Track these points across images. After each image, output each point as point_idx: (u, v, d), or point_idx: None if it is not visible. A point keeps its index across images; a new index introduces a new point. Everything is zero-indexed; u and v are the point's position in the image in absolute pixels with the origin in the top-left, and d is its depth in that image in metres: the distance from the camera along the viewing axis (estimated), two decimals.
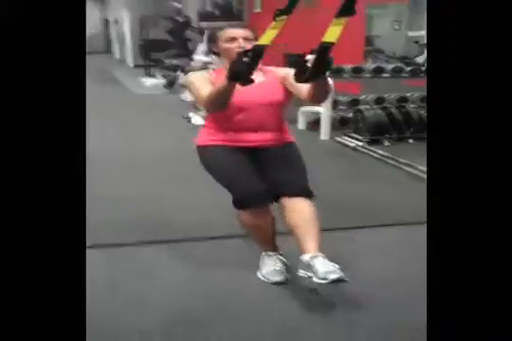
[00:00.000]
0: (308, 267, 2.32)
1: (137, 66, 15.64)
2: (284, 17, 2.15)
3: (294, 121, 6.78)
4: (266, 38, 2.14)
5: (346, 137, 6.01)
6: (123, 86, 11.90)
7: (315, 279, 2.28)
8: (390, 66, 6.65)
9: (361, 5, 9.41)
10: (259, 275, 2.72)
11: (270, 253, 2.75)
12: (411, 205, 3.83)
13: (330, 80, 2.42)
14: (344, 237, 3.28)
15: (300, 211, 2.49)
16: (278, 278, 2.67)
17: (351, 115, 6.35)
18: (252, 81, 2.21)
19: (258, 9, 12.25)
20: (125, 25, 17.69)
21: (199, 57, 10.04)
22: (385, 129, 5.89)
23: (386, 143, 5.81)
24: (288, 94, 2.60)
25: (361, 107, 6.18)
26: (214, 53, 2.69)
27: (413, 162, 4.79)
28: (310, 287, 2.51)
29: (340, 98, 6.59)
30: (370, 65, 6.81)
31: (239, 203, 2.55)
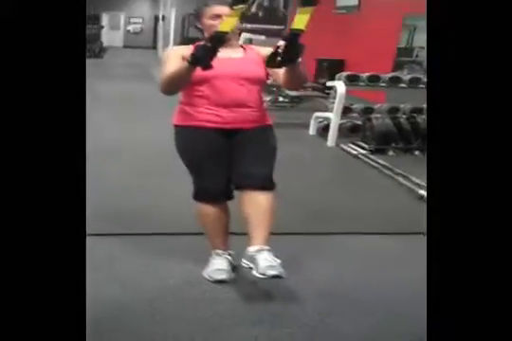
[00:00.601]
0: (251, 259, 2.38)
1: None
2: (242, 6, 2.18)
3: (306, 126, 6.80)
4: (226, 25, 2.18)
5: (352, 145, 5.98)
6: (155, 83, 12.05)
7: (254, 273, 2.33)
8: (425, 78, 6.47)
9: (399, 16, 9.43)
10: (204, 273, 2.77)
11: (219, 252, 2.80)
12: (394, 214, 3.84)
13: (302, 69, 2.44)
14: (316, 241, 3.34)
15: (256, 204, 2.50)
16: (220, 277, 2.71)
17: None
18: (211, 67, 2.23)
19: None
20: (171, 22, 17.99)
21: None
22: (392, 139, 5.84)
23: (390, 153, 5.77)
24: (267, 72, 2.57)
25: (371, 116, 6.14)
26: (197, 28, 2.63)
27: (410, 173, 4.76)
28: (251, 281, 2.57)
29: (355, 105, 6.58)
30: (405, 75, 6.63)
31: (199, 195, 2.62)
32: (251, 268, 2.37)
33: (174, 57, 2.46)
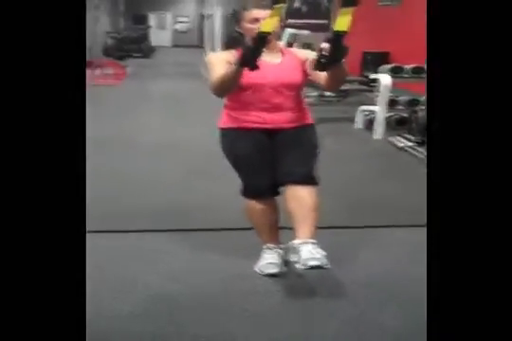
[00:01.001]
0: (296, 252, 2.44)
1: None
2: (281, 5, 2.27)
3: (352, 120, 6.84)
4: (268, 25, 2.25)
5: (398, 137, 6.01)
6: (203, 81, 12.22)
7: (297, 265, 2.40)
8: None
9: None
10: (255, 267, 2.86)
11: (270, 246, 2.88)
12: None
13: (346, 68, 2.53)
14: (362, 234, 3.40)
15: (299, 199, 2.58)
16: (271, 271, 2.81)
17: None
18: (257, 67, 2.33)
19: None
20: (216, 20, 18.10)
21: None
22: None
23: None
24: (305, 75, 2.65)
25: (417, 108, 6.14)
26: (236, 32, 2.72)
27: None
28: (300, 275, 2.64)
29: (401, 97, 6.59)
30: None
31: (248, 192, 2.74)
32: (296, 262, 2.43)
33: (218, 61, 2.58)
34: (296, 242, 2.47)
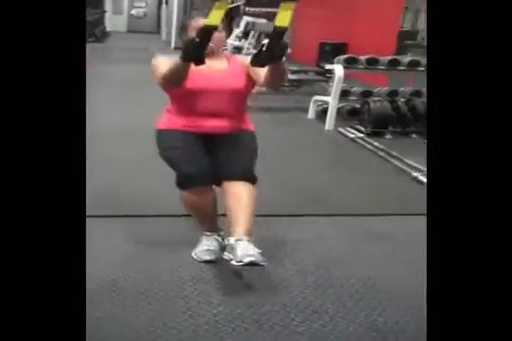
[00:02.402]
0: (231, 249, 2.37)
1: (177, 49, 15.77)
2: None
3: (305, 110, 6.80)
4: (214, 18, 2.19)
5: (349, 128, 5.99)
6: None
7: (233, 262, 2.32)
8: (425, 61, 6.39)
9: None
10: (192, 253, 2.80)
11: (208, 233, 2.83)
12: (384, 197, 3.87)
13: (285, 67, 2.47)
14: (307, 222, 3.38)
15: (236, 195, 2.55)
16: (208, 257, 2.75)
17: None
18: (203, 62, 2.28)
19: None
20: (174, 6, 17.87)
21: (231, 41, 10.07)
22: (389, 122, 5.84)
23: (388, 136, 5.77)
24: (251, 83, 2.66)
25: (369, 99, 6.13)
26: (183, 41, 2.68)
27: (406, 156, 4.77)
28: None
29: (354, 88, 6.57)
30: (404, 58, 6.58)
31: (182, 182, 2.65)
32: (231, 259, 2.34)
33: (164, 62, 2.56)
34: (231, 239, 2.42)
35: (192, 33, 2.48)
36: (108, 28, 22.42)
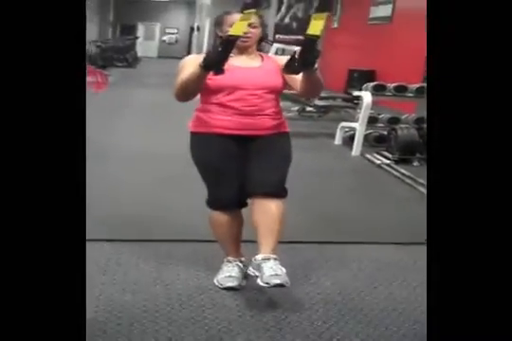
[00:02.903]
0: (258, 268, 2.39)
1: None
2: (252, 10, 2.26)
3: (332, 136, 6.79)
4: (238, 29, 2.21)
5: (376, 155, 5.95)
6: None
7: (259, 282, 2.34)
8: None
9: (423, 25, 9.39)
10: (214, 280, 2.77)
11: (231, 259, 2.80)
12: (410, 225, 3.81)
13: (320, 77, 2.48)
14: (331, 250, 3.33)
15: (265, 212, 2.50)
16: (230, 284, 2.71)
17: None
18: (223, 71, 2.27)
19: (335, 25, 12.31)
20: (205, 32, 18.19)
21: None
22: (416, 149, 5.79)
23: (415, 163, 5.71)
24: (285, 82, 2.58)
25: (397, 126, 6.10)
26: (217, 36, 2.63)
27: None
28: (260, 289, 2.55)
29: (382, 115, 6.56)
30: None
31: (211, 203, 2.67)
32: (257, 276, 2.39)
33: (191, 64, 2.48)
34: (259, 257, 2.41)
35: (228, 28, 2.41)
36: (140, 54, 22.83)
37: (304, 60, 2.25)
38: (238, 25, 2.22)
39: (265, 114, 2.56)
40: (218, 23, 2.61)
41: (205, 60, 2.27)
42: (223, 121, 2.54)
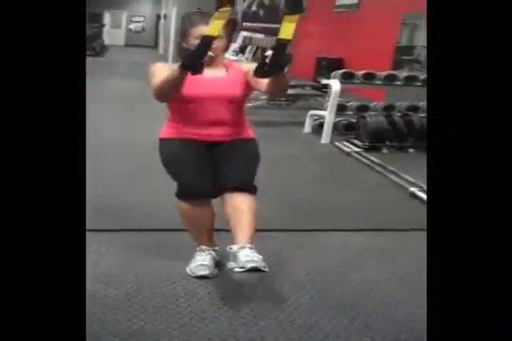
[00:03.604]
0: (234, 257, 2.36)
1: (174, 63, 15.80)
2: (227, 9, 2.24)
3: (302, 125, 6.81)
4: (213, 29, 2.19)
5: (346, 142, 5.98)
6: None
7: (236, 269, 2.31)
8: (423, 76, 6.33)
9: (398, 14, 9.42)
10: (187, 268, 2.77)
11: (203, 248, 2.80)
12: (381, 211, 3.84)
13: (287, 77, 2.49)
14: (301, 238, 3.34)
15: (237, 204, 2.53)
16: (202, 273, 2.72)
17: None
18: (201, 71, 2.28)
19: (302, 13, 12.30)
20: (172, 21, 17.97)
21: (228, 55, 10.12)
22: (385, 136, 5.84)
23: (384, 151, 5.77)
24: (248, 89, 2.64)
25: (365, 114, 6.13)
26: (183, 48, 2.71)
27: (402, 171, 4.76)
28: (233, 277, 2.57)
29: (351, 103, 6.58)
30: (401, 73, 6.62)
31: (181, 193, 2.65)
32: (234, 267, 2.34)
33: (162, 69, 2.52)
34: (234, 247, 2.40)
35: (193, 41, 2.45)
36: (106, 42, 22.53)
37: (276, 64, 2.24)
38: (214, 24, 2.19)
39: (229, 123, 2.63)
40: (183, 34, 2.60)
41: (183, 60, 2.26)
42: (190, 129, 2.61)
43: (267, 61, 2.23)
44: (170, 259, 2.89)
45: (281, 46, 2.19)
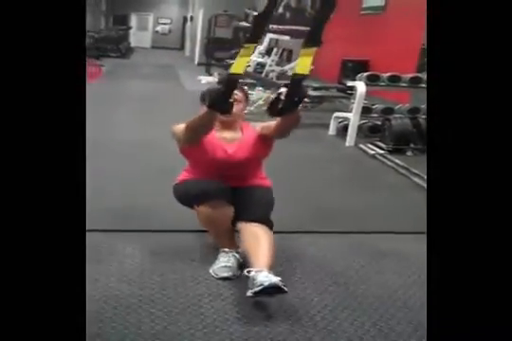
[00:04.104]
0: (252, 280, 2.35)
1: (200, 65, 15.89)
2: (252, 45, 2.23)
3: (326, 127, 6.80)
4: (239, 66, 2.21)
5: (370, 145, 5.96)
6: (179, 83, 12.19)
7: (255, 288, 2.29)
8: None
9: (423, 18, 9.35)
10: (210, 270, 2.78)
11: (226, 250, 2.81)
12: (405, 214, 3.82)
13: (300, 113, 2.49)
14: (322, 239, 3.33)
15: (256, 232, 2.59)
16: (225, 274, 2.73)
17: None
18: (228, 111, 2.31)
19: None
20: (198, 23, 18.06)
21: (254, 58, 10.13)
22: (410, 139, 5.81)
23: (409, 153, 5.73)
24: (264, 148, 2.76)
25: (390, 116, 6.10)
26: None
27: (425, 173, 4.72)
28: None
29: (376, 105, 6.56)
30: (426, 76, 6.60)
31: (198, 197, 2.68)
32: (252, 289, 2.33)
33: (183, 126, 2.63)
34: (251, 270, 2.40)
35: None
36: (133, 44, 22.72)
37: (291, 101, 2.21)
38: (239, 61, 2.21)
39: (246, 179, 2.78)
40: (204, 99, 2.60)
41: (209, 101, 2.28)
42: (207, 178, 2.74)
43: (282, 97, 2.21)
44: (193, 260, 2.91)
45: (297, 82, 2.18)
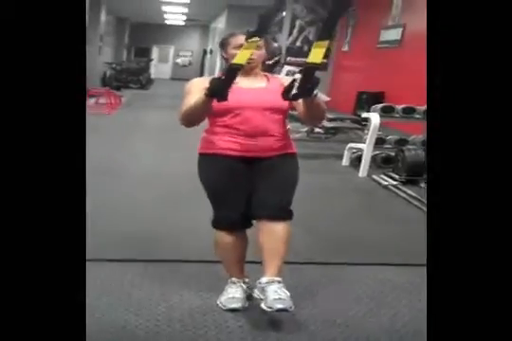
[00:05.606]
0: (262, 291, 2.45)
1: None
2: (257, 39, 2.28)
3: (340, 157, 6.82)
4: (241, 58, 2.27)
5: (383, 176, 5.97)
6: None
7: (263, 306, 2.40)
8: None
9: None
10: (218, 301, 2.78)
11: (235, 280, 2.81)
12: (416, 246, 3.80)
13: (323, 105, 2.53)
14: (334, 271, 3.33)
15: (271, 234, 2.54)
16: (233, 306, 2.73)
17: None
18: (226, 99, 2.32)
19: (346, 48, 12.41)
20: (217, 55, 18.34)
21: None
22: (423, 170, 5.80)
23: (422, 184, 5.72)
24: (289, 102, 2.60)
25: (404, 147, 6.12)
26: (222, 58, 2.74)
27: None
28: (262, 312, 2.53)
29: (390, 137, 6.59)
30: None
31: (216, 223, 2.69)
32: (262, 300, 2.44)
33: (196, 88, 2.55)
34: (263, 280, 2.46)
35: (232, 51, 2.52)
36: (153, 76, 23.07)
37: (303, 87, 2.28)
38: (242, 53, 2.27)
39: (271, 135, 2.59)
40: (223, 44, 2.67)
41: (209, 87, 2.33)
42: (228, 143, 2.58)
43: (296, 83, 2.28)
44: (201, 290, 2.91)
45: (309, 70, 2.24)
